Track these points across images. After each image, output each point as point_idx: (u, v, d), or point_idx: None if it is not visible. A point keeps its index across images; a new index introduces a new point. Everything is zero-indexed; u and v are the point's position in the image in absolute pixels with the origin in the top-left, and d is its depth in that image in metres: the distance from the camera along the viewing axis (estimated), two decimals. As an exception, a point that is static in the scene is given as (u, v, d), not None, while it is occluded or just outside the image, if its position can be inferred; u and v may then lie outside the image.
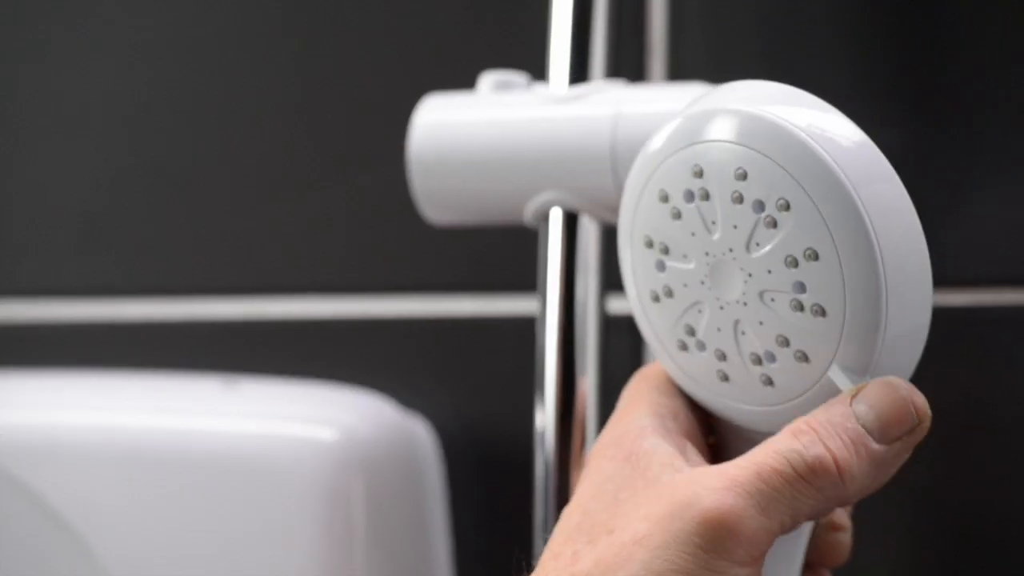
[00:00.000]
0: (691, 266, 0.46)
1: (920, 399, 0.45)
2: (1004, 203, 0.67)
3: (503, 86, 0.63)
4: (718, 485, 0.43)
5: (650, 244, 0.47)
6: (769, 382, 0.45)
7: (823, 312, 0.43)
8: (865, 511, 0.68)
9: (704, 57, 0.71)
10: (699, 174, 0.45)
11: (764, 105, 0.44)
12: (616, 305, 0.67)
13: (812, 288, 0.43)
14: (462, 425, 0.76)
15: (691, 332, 0.47)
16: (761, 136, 0.43)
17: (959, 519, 0.69)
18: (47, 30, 0.85)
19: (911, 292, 0.43)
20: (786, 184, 0.43)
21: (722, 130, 0.44)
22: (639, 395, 0.49)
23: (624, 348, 0.70)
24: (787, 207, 0.43)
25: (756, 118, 0.44)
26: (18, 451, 0.74)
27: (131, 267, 0.83)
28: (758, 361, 0.45)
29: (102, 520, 0.73)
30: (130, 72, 0.84)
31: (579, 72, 0.63)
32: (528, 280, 0.66)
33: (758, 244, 0.44)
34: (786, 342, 0.44)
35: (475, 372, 0.76)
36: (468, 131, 0.62)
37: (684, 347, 0.47)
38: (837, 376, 0.45)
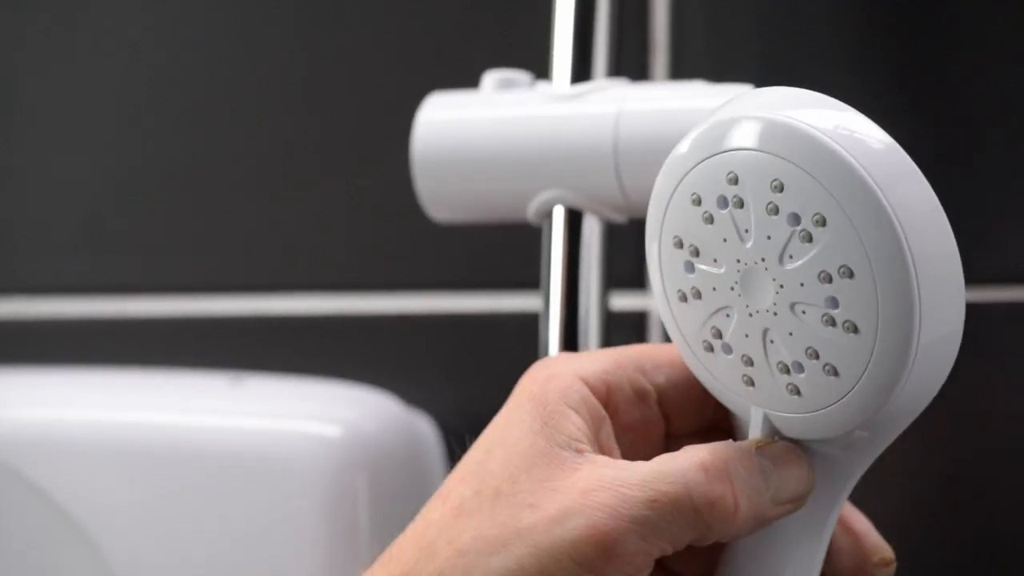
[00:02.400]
0: (721, 271, 0.45)
1: (812, 474, 0.47)
2: (1005, 201, 0.67)
3: (506, 85, 0.63)
4: (609, 503, 0.43)
5: (680, 245, 0.46)
6: (796, 391, 0.45)
7: (855, 329, 0.43)
8: (865, 511, 0.68)
9: (706, 56, 0.71)
10: (734, 181, 0.44)
11: (808, 118, 0.43)
12: (619, 302, 0.67)
13: (845, 305, 0.43)
14: (466, 422, 0.75)
15: (718, 335, 0.46)
16: (799, 149, 0.43)
17: (958, 520, 0.69)
18: (50, 29, 0.85)
19: (944, 313, 0.43)
20: (824, 201, 0.42)
21: (762, 139, 0.44)
22: (604, 355, 0.49)
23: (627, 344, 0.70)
24: (823, 223, 0.43)
25: (795, 130, 0.43)
26: (24, 447, 0.74)
27: (136, 264, 0.83)
28: (786, 371, 0.45)
29: (107, 516, 0.73)
30: (134, 70, 0.84)
31: (582, 71, 0.63)
32: (531, 277, 0.66)
33: (791, 257, 0.43)
34: (815, 355, 0.44)
35: (479, 369, 0.76)
36: (471, 129, 0.62)
37: (710, 348, 0.47)
38: (755, 422, 0.46)
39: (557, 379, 0.48)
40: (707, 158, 0.45)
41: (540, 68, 0.65)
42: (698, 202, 0.45)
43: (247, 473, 0.71)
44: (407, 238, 0.77)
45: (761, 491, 0.45)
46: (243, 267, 0.81)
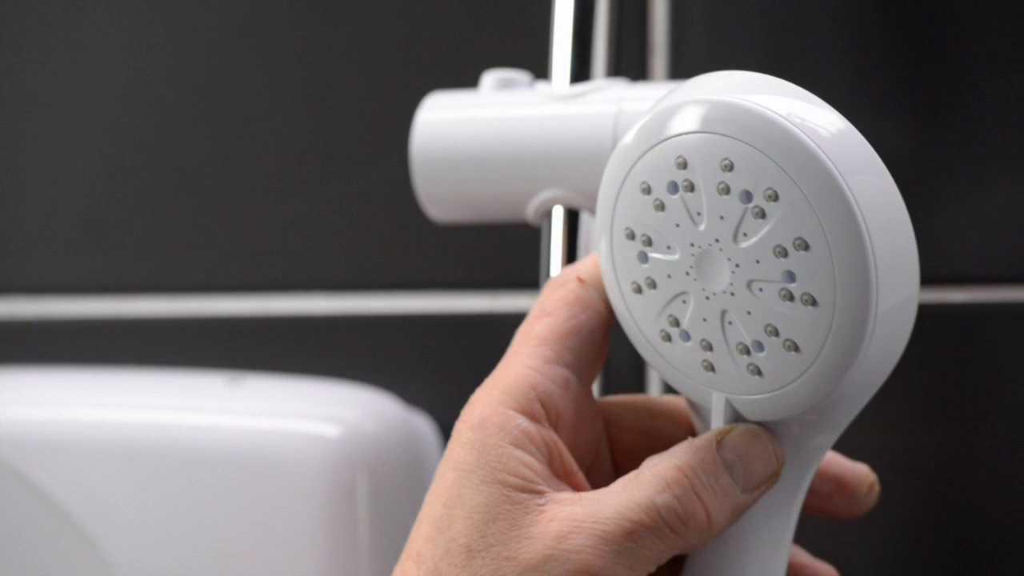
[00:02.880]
0: (675, 257, 0.46)
1: (779, 448, 0.47)
2: (1005, 200, 0.67)
3: (505, 84, 0.63)
4: (588, 544, 0.43)
5: (632, 236, 0.47)
6: (757, 371, 0.45)
7: (814, 301, 0.43)
8: (876, 511, 0.68)
9: (706, 56, 0.71)
10: (683, 165, 0.44)
11: (748, 95, 0.44)
12: (618, 302, 0.67)
13: (802, 277, 0.43)
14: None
15: (675, 323, 0.47)
16: (747, 126, 0.43)
17: (958, 519, 0.69)
18: (49, 28, 0.85)
19: (900, 278, 0.43)
20: (774, 174, 0.43)
21: (706, 121, 0.44)
22: (516, 371, 0.48)
23: (625, 344, 0.70)
24: (775, 197, 0.43)
25: (741, 108, 0.43)
26: (24, 447, 0.75)
27: (136, 264, 0.83)
28: (745, 351, 0.45)
29: (107, 516, 0.73)
30: (133, 69, 0.84)
31: (581, 71, 0.63)
32: (530, 277, 0.66)
33: (746, 234, 0.44)
34: (775, 332, 0.44)
35: (478, 369, 0.75)
36: (470, 129, 0.62)
37: (668, 338, 0.47)
38: (717, 409, 0.46)
39: (491, 420, 0.47)
40: (654, 146, 0.45)
41: (539, 68, 0.65)
42: (648, 191, 0.46)
43: (246, 473, 0.71)
44: (406, 238, 0.77)
45: (729, 490, 0.45)
46: (242, 267, 0.81)
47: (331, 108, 0.79)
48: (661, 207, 0.46)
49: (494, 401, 0.47)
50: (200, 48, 0.82)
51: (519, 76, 0.64)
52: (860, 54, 0.69)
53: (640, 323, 0.48)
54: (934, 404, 0.69)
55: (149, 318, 0.83)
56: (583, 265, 0.50)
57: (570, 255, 0.62)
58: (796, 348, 0.44)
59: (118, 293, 0.84)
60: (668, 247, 0.46)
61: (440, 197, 0.63)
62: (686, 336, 0.47)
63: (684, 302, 0.46)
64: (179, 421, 0.74)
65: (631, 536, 0.44)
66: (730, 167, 0.44)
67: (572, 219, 0.62)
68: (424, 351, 0.77)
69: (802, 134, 0.43)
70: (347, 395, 0.75)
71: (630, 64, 0.70)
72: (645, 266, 0.47)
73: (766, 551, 0.48)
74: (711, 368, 0.47)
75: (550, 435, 0.47)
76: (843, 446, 0.67)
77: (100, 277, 0.84)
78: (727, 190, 0.44)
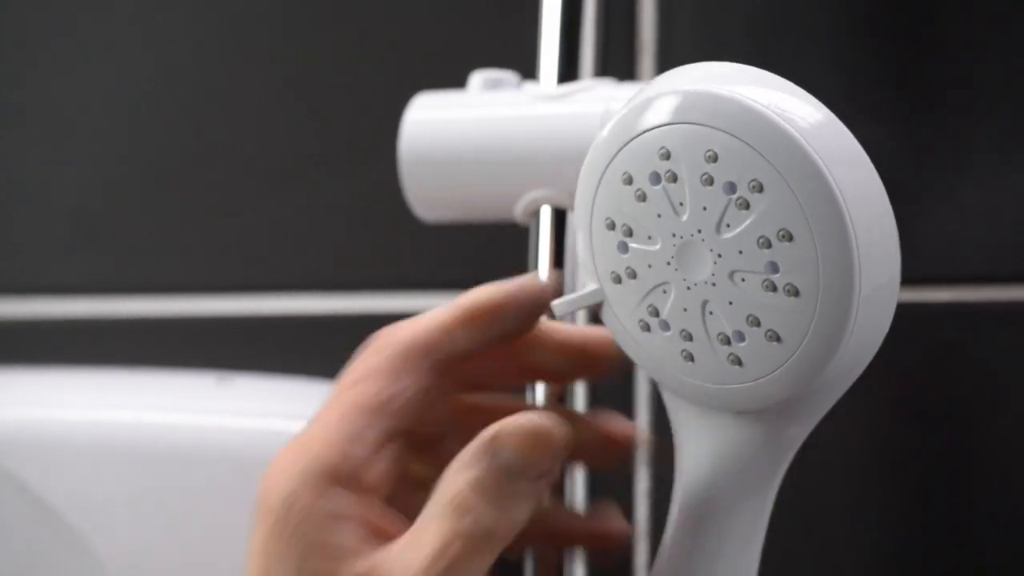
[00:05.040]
0: (656, 247, 0.46)
1: (550, 425, 0.46)
2: (990, 199, 0.67)
3: (493, 84, 0.63)
4: None
5: (612, 226, 0.47)
6: (737, 362, 0.45)
7: (796, 292, 0.43)
8: (864, 511, 0.68)
9: (694, 56, 0.70)
10: (666, 156, 0.44)
11: (732, 86, 0.44)
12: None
13: (785, 268, 0.43)
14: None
15: (655, 313, 0.47)
16: (732, 117, 0.43)
17: (958, 518, 0.69)
18: (42, 29, 0.85)
19: (882, 268, 0.44)
20: (759, 166, 0.43)
21: (690, 111, 0.44)
22: (324, 439, 0.47)
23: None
24: (760, 188, 0.43)
25: (726, 99, 0.43)
26: (13, 447, 0.75)
27: (126, 264, 0.84)
28: (726, 341, 0.45)
29: (97, 516, 0.73)
30: (126, 70, 0.84)
31: (569, 71, 0.63)
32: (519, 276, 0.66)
33: (729, 225, 0.44)
34: (757, 322, 0.44)
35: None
36: (458, 129, 0.63)
37: (647, 328, 0.47)
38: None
39: (297, 501, 0.45)
40: (636, 136, 0.45)
41: (527, 68, 0.65)
42: (629, 181, 0.46)
43: (235, 472, 0.71)
44: (395, 238, 0.77)
45: (519, 491, 0.45)
46: (232, 267, 0.81)
47: (321, 109, 0.79)
48: (643, 197, 0.46)
49: (300, 474, 0.46)
50: (191, 49, 0.82)
51: (507, 76, 0.64)
52: (848, 53, 0.69)
53: (619, 313, 0.48)
54: (921, 404, 0.69)
55: (138, 318, 0.83)
56: (412, 327, 0.49)
57: (558, 254, 0.62)
58: (778, 339, 0.44)
59: (107, 293, 0.84)
60: (649, 237, 0.46)
61: (428, 197, 0.64)
62: (665, 326, 0.47)
63: (664, 292, 0.46)
64: (168, 421, 0.74)
65: (453, 570, 0.43)
66: (714, 158, 0.44)
67: (559, 218, 0.62)
68: (413, 351, 0.77)
69: (788, 127, 0.43)
70: (336, 395, 0.75)
71: (618, 64, 0.70)
72: (625, 256, 0.47)
73: (739, 541, 0.48)
74: (690, 358, 0.47)
75: (362, 501, 0.46)
76: (832, 447, 0.67)
77: (89, 277, 0.84)
78: (711, 181, 0.44)
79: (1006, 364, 0.67)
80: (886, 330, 0.45)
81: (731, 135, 0.43)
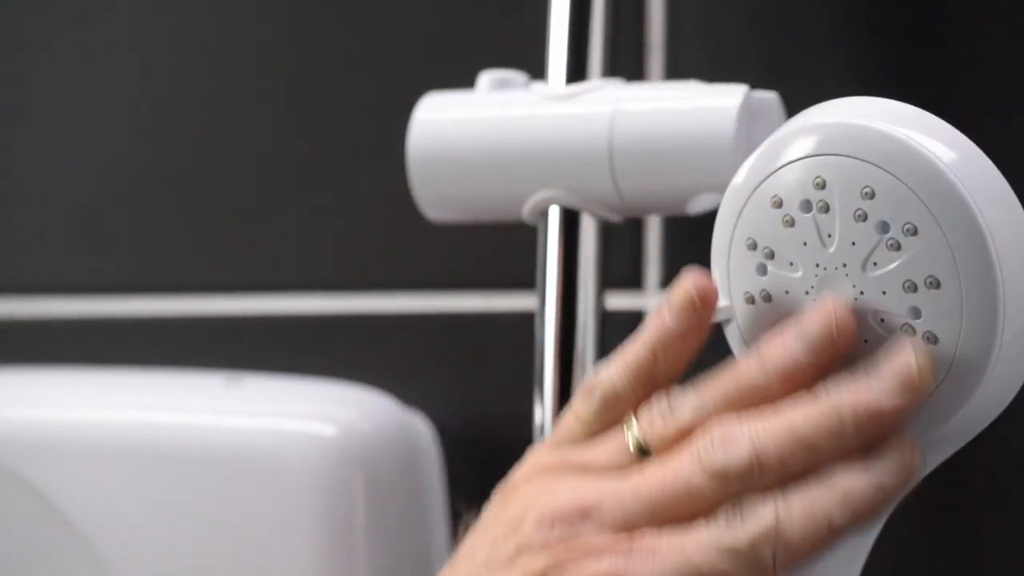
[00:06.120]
0: (797, 275, 0.45)
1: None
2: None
3: (502, 85, 0.63)
4: None
5: (753, 246, 0.46)
6: None
7: (935, 340, 0.43)
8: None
9: (702, 56, 0.71)
10: (821, 186, 0.44)
11: (899, 127, 0.44)
12: (614, 302, 0.67)
13: (927, 315, 0.43)
14: (462, 421, 0.76)
15: None
16: (896, 159, 0.43)
17: (959, 519, 0.69)
18: (45, 29, 0.85)
19: (1023, 326, 0.43)
20: (917, 210, 0.43)
21: (852, 145, 0.44)
22: None
23: (622, 344, 0.71)
24: (914, 232, 0.43)
25: (892, 139, 0.43)
26: (20, 447, 0.75)
27: (132, 264, 0.83)
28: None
29: (103, 515, 0.73)
30: (128, 71, 0.84)
31: (577, 71, 0.63)
32: (527, 277, 0.66)
33: (876, 264, 0.44)
34: None
35: (475, 368, 0.76)
36: (467, 129, 0.63)
37: None
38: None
39: None
40: (793, 161, 0.45)
41: (536, 68, 0.65)
42: (779, 204, 0.45)
43: (243, 472, 0.71)
44: (403, 238, 0.77)
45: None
46: (239, 267, 0.81)
47: (329, 109, 0.79)
48: (791, 223, 0.45)
49: None
50: (195, 49, 0.82)
51: (515, 76, 0.64)
52: (853, 53, 0.69)
53: (746, 334, 0.47)
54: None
55: (146, 318, 0.83)
56: None
57: (567, 255, 0.62)
58: None
59: (114, 293, 0.84)
60: (791, 263, 0.45)
61: (437, 197, 0.64)
62: None
63: None
64: (176, 421, 0.74)
65: None
66: (871, 195, 0.43)
67: (569, 219, 0.62)
68: (420, 351, 0.77)
69: (953, 177, 0.42)
70: (343, 395, 0.75)
71: (626, 64, 0.70)
72: (763, 278, 0.46)
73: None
74: None
75: None
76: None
77: (96, 277, 0.84)
78: (864, 217, 0.43)
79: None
80: (1021, 383, 0.44)
81: (894, 176, 0.43)
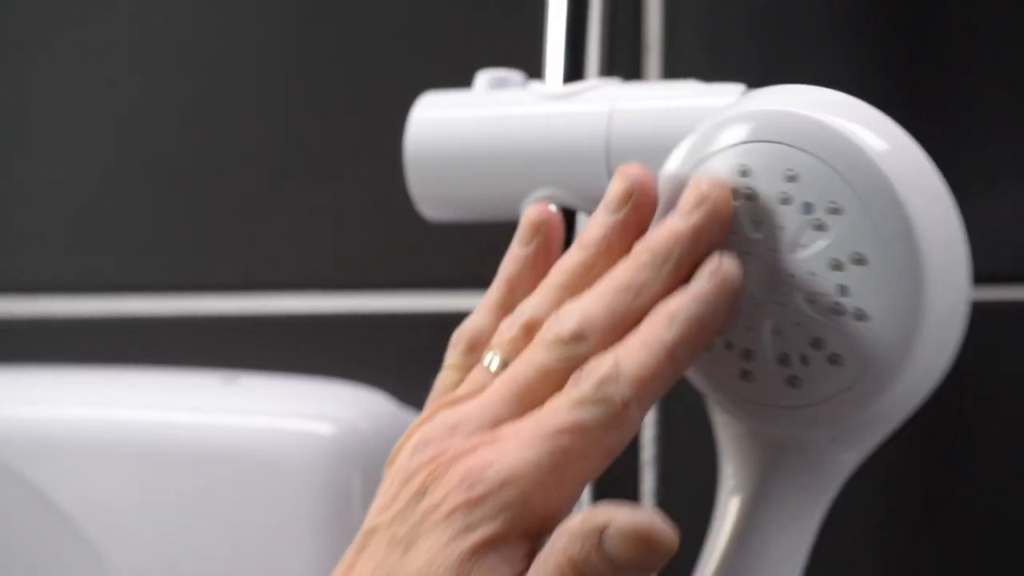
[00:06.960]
0: None
1: (665, 529, 0.41)
2: (997, 198, 0.67)
3: (499, 84, 0.63)
4: None
5: None
6: (796, 383, 0.45)
7: (864, 316, 0.43)
8: (864, 512, 0.68)
9: (699, 55, 0.71)
10: (745, 173, 0.45)
11: (815, 108, 0.44)
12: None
13: (855, 292, 0.43)
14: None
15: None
16: (816, 139, 0.43)
17: (959, 519, 0.69)
18: (45, 29, 0.85)
19: (950, 300, 0.43)
20: (838, 189, 0.43)
21: (772, 131, 0.44)
22: None
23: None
24: (837, 211, 0.43)
25: (810, 120, 0.44)
26: (19, 446, 0.75)
27: (130, 263, 0.84)
28: (787, 362, 0.45)
29: (102, 514, 0.73)
30: (128, 70, 0.84)
31: (574, 70, 0.63)
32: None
33: (803, 246, 0.44)
34: (820, 344, 0.44)
35: (472, 368, 0.76)
36: (464, 128, 0.62)
37: (709, 345, 0.47)
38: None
39: None
40: (715, 152, 0.45)
41: (533, 67, 0.65)
42: None
43: (240, 471, 0.71)
44: (400, 237, 0.77)
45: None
46: (236, 266, 0.81)
47: (326, 108, 0.79)
48: None
49: None
50: (194, 48, 0.82)
51: (513, 75, 0.64)
52: (852, 52, 0.69)
53: None
54: (935, 405, 0.69)
55: (143, 317, 0.83)
56: None
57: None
58: (840, 362, 0.44)
59: (112, 292, 0.84)
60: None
61: (434, 196, 0.64)
62: (728, 345, 0.46)
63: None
64: (173, 420, 0.74)
65: None
66: (794, 178, 0.44)
67: (566, 218, 0.62)
68: (418, 350, 0.77)
69: (872, 153, 0.43)
70: (341, 394, 0.75)
71: (623, 63, 0.70)
72: None
73: (779, 561, 0.47)
74: (748, 377, 0.46)
75: None
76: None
77: (94, 276, 0.84)
78: (788, 200, 0.44)
79: (1006, 364, 0.67)
80: (949, 361, 0.45)
81: (814, 156, 0.43)
